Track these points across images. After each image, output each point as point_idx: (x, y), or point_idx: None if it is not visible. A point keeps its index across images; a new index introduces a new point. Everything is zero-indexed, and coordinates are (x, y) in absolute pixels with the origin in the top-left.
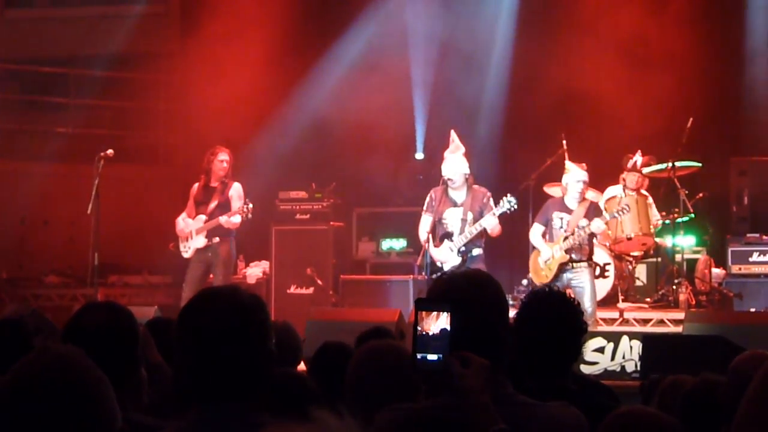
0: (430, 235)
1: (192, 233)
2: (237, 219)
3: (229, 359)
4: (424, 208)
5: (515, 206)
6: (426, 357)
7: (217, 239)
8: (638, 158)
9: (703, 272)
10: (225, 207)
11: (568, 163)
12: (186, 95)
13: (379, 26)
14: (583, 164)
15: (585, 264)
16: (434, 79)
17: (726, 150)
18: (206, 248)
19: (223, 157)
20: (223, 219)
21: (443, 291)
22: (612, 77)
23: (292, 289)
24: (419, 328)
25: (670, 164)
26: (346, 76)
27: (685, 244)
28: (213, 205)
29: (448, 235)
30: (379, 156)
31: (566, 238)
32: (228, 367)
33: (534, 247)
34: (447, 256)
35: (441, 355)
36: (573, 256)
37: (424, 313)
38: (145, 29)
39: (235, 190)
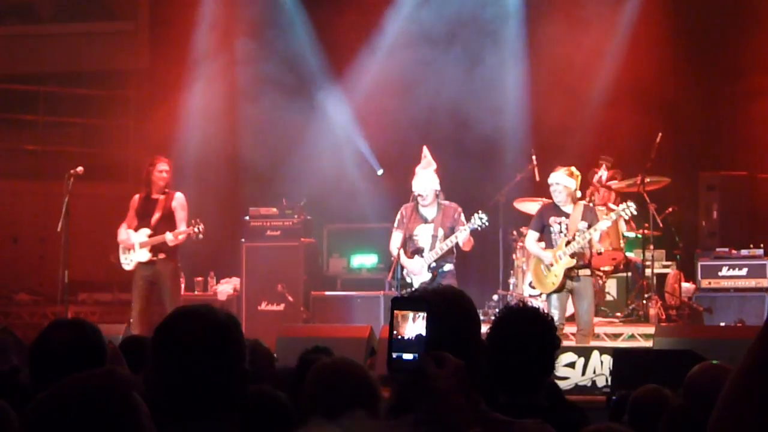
0: (401, 251)
1: (135, 246)
2: (182, 236)
3: (204, 377)
4: (395, 225)
5: (486, 223)
6: (402, 356)
7: (162, 255)
8: (603, 173)
9: (672, 287)
10: (169, 219)
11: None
12: (155, 113)
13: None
14: (569, 168)
15: (588, 271)
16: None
17: (695, 165)
18: (150, 263)
19: (162, 167)
20: (169, 237)
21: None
22: (581, 93)
23: (263, 306)
24: (395, 330)
25: (639, 179)
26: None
27: (654, 258)
28: (156, 217)
29: (419, 251)
30: (348, 173)
31: (569, 242)
32: (203, 385)
33: (531, 255)
34: (418, 270)
35: (416, 355)
36: (576, 261)
37: (400, 314)
38: (115, 47)
39: (178, 200)
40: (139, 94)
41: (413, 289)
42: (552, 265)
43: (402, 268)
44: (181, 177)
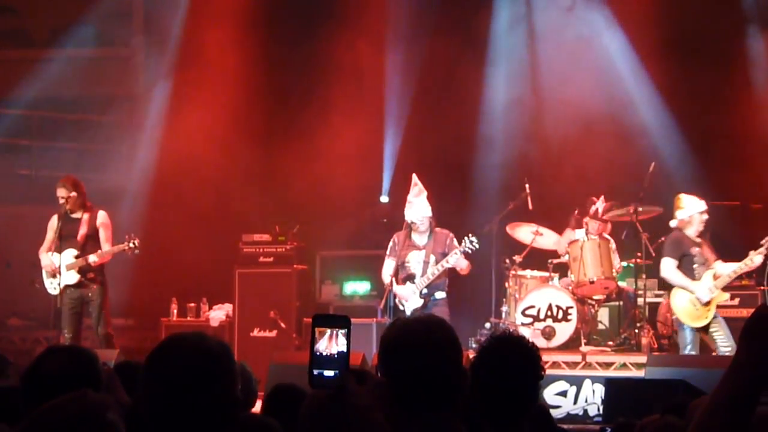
0: (393, 279)
1: (61, 268)
2: (108, 255)
3: (196, 405)
4: (387, 252)
5: (476, 246)
6: (323, 373)
7: (91, 275)
8: (600, 205)
9: (664, 316)
10: (94, 238)
11: (683, 197)
12: (149, 138)
13: (349, 71)
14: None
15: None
16: (405, 125)
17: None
18: (78, 285)
19: (59, 194)
20: (93, 258)
21: (397, 336)
22: (575, 122)
23: (256, 332)
24: (317, 345)
25: (632, 208)
26: (314, 120)
27: (647, 287)
28: (82, 236)
29: (411, 278)
30: (343, 199)
31: (717, 276)
32: (195, 413)
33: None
34: (409, 296)
35: (337, 372)
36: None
37: (321, 331)
38: (109, 72)
39: (101, 219)
40: (132, 119)
41: (397, 318)
42: (710, 302)
43: (394, 295)
44: (175, 202)
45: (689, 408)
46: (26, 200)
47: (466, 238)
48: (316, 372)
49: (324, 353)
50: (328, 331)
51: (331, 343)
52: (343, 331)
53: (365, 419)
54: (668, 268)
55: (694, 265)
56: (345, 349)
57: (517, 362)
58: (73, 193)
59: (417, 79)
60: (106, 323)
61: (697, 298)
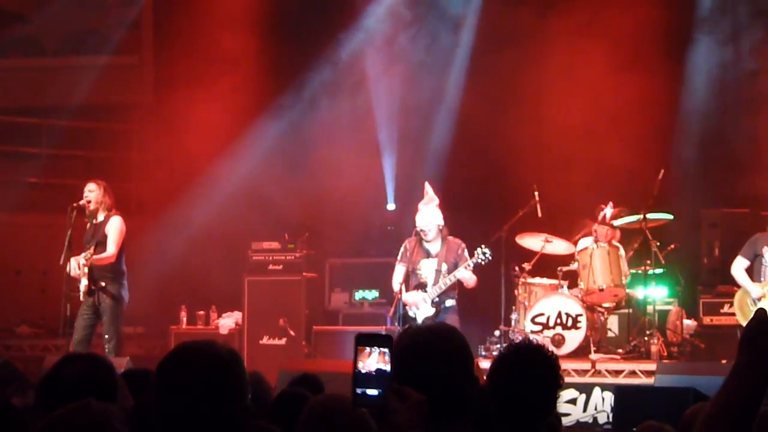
0: (403, 286)
1: (80, 275)
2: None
3: (206, 413)
4: (398, 258)
5: (490, 257)
6: (365, 392)
7: (102, 283)
8: (608, 210)
9: (674, 323)
10: (103, 244)
11: None
12: (159, 145)
13: (349, 82)
14: None
15: None
16: (403, 132)
17: (697, 202)
18: (90, 291)
19: (88, 188)
20: (97, 257)
21: (408, 344)
22: (584, 129)
23: (265, 340)
24: (360, 364)
25: (641, 216)
26: (320, 128)
27: (656, 295)
28: (94, 243)
29: (422, 286)
30: (352, 207)
31: None
32: (205, 420)
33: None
34: (419, 303)
35: (381, 390)
36: None
37: (364, 350)
38: (119, 79)
39: (112, 223)
40: (142, 127)
41: (408, 326)
42: (761, 298)
43: (404, 303)
44: (183, 210)
45: (684, 416)
46: (35, 208)
47: (479, 249)
48: (359, 391)
49: (366, 372)
50: (369, 349)
51: (373, 362)
52: (384, 349)
53: None
54: (735, 265)
55: (763, 266)
56: (387, 368)
57: (538, 371)
58: (99, 192)
59: (417, 88)
60: (113, 333)
61: (751, 296)
